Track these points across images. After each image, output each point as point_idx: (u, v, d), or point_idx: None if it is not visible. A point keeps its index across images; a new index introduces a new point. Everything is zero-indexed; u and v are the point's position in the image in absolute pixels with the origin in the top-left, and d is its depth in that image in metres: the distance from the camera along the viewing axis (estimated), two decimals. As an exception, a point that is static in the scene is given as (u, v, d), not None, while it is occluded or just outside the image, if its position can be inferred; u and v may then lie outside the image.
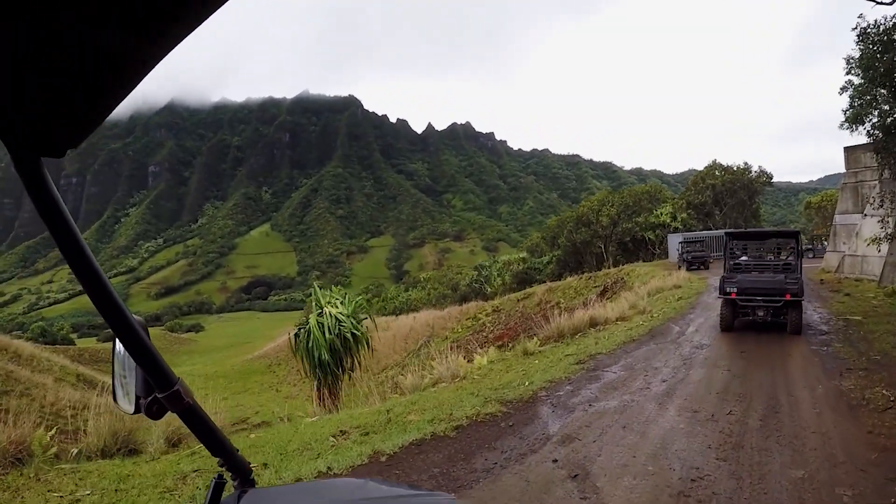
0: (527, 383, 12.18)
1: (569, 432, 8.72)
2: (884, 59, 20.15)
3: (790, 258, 19.46)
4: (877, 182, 30.74)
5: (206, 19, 0.82)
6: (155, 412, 1.40)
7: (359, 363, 23.19)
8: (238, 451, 1.68)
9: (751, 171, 71.24)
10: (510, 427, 9.23)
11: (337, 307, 23.53)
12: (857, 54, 22.00)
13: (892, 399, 9.95)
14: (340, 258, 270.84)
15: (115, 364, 1.62)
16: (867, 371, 11.94)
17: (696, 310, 23.24)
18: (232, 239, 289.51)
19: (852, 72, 22.90)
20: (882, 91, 22.07)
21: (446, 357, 15.97)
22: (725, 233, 21.53)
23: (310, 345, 21.41)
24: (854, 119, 23.61)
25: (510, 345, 25.93)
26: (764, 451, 7.65)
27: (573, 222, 73.33)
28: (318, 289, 25.00)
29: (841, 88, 24.17)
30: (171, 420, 12.86)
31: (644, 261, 62.83)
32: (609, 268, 59.56)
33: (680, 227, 65.90)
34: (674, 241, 56.56)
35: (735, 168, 71.87)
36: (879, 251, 26.38)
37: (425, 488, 2.39)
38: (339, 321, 22.62)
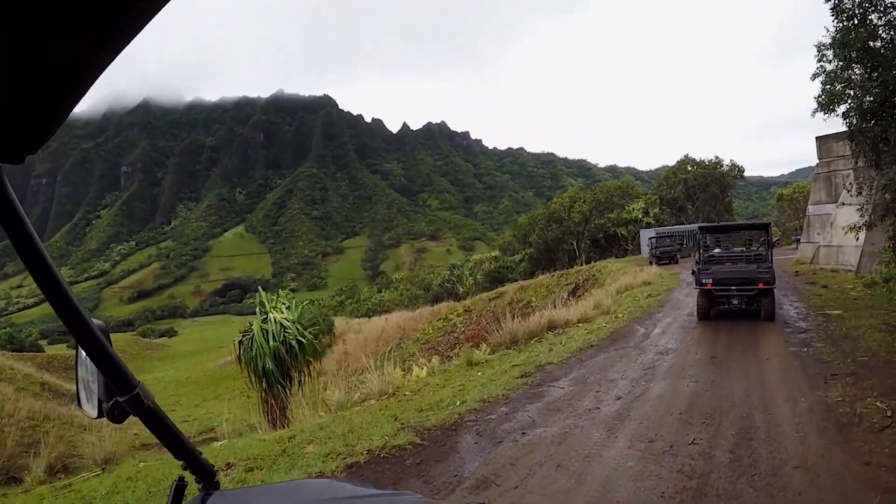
0: (458, 403, 10.53)
1: (487, 473, 6.89)
2: (860, 34, 18.46)
3: (761, 249, 19.71)
4: (850, 171, 29.73)
5: (151, 18, 0.81)
6: (117, 416, 1.41)
7: (308, 372, 21.58)
8: (201, 453, 1.66)
9: (722, 165, 69.88)
10: (417, 465, 7.47)
11: (283, 312, 21.84)
12: (827, 40, 20.47)
13: (889, 414, 8.18)
14: (316, 259, 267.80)
15: (79, 369, 1.62)
16: (855, 377, 10.23)
17: (665, 308, 21.69)
18: (206, 241, 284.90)
19: (823, 58, 21.45)
20: (857, 71, 20.45)
21: (383, 368, 14.43)
22: (699, 227, 21.81)
23: (253, 353, 19.93)
24: (827, 105, 22.05)
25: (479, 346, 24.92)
26: (734, 501, 5.79)
27: (545, 220, 71.70)
28: (262, 293, 23.12)
29: (813, 75, 22.56)
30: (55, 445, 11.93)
31: (617, 257, 61.82)
32: (581, 265, 58.90)
33: (652, 222, 64.55)
34: (646, 237, 55.60)
35: (707, 162, 70.54)
36: (858, 240, 24.90)
37: (391, 488, 2.30)
38: (285, 327, 20.89)
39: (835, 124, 25.65)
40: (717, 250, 20.83)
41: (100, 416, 1.44)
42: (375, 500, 1.81)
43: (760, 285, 17.10)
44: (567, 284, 47.18)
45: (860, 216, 22.59)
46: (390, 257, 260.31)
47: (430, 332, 51.98)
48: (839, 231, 29.39)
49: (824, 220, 33.53)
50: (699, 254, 19.94)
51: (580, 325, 19.12)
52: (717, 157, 70.11)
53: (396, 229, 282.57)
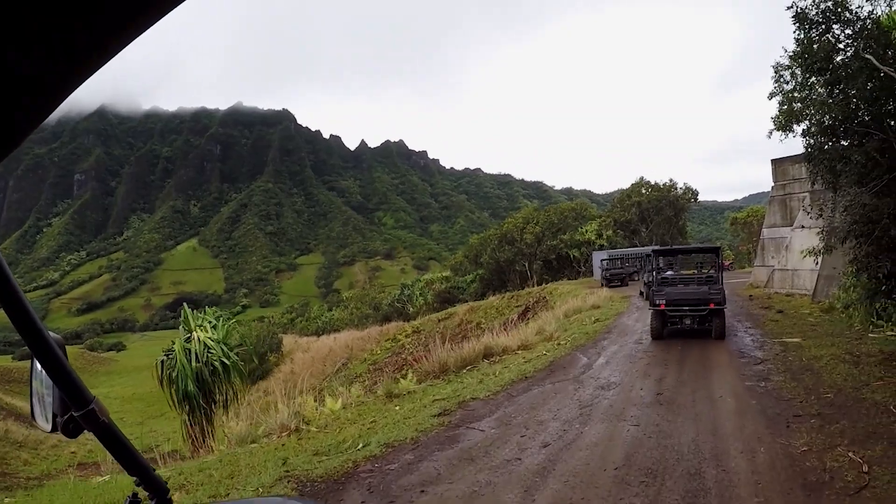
0: (360, 445, 9.00)
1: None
2: (823, 44, 17.34)
3: (712, 271, 20.96)
4: (806, 193, 29.13)
5: (125, 46, 0.80)
6: (71, 430, 1.38)
7: (234, 395, 20.02)
8: (155, 469, 1.66)
9: (677, 189, 69.38)
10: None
11: (207, 331, 20.18)
12: (785, 61, 19.59)
13: (865, 469, 6.67)
14: (269, 276, 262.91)
15: (34, 382, 1.59)
16: (821, 419, 8.78)
17: (612, 334, 20.26)
18: (158, 253, 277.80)
19: (781, 79, 20.52)
20: (818, 88, 19.43)
21: (293, 399, 13.44)
22: (652, 250, 23.13)
23: (174, 374, 18.57)
24: (785, 125, 21.08)
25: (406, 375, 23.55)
26: None
27: (496, 240, 70.35)
28: (187, 309, 21.46)
29: (770, 94, 21.64)
30: None
31: (569, 279, 61.19)
32: (533, 286, 57.68)
33: (605, 244, 63.53)
34: (598, 259, 54.77)
35: (661, 185, 70.00)
36: (817, 263, 23.91)
37: None
38: (209, 347, 19.24)
39: (792, 146, 25.05)
40: (669, 272, 21.51)
41: (54, 430, 1.41)
42: None
43: (712, 306, 17.54)
44: (517, 306, 46.51)
45: (820, 239, 21.53)
46: (344, 275, 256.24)
47: (378, 352, 50.95)
48: (795, 254, 28.64)
49: (779, 244, 32.65)
50: (650, 275, 21.30)
51: (519, 352, 17.63)
52: (671, 181, 69.71)
53: (351, 247, 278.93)
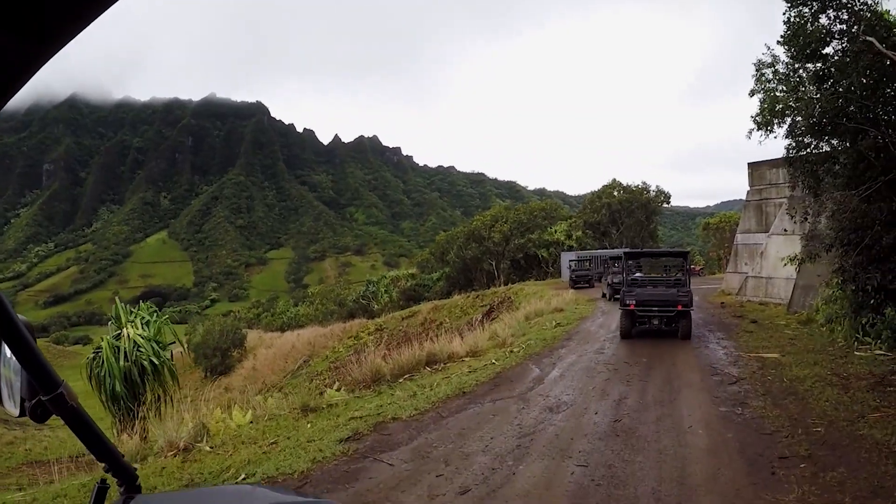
0: (241, 476, 7.36)
1: None
2: (816, 28, 15.80)
3: (680, 274, 21.47)
4: (784, 199, 27.95)
5: (93, 20, 0.80)
6: (39, 415, 1.37)
7: (165, 396, 18.14)
8: (124, 456, 1.63)
9: (649, 191, 67.88)
10: None
11: (139, 328, 18.33)
12: (768, 58, 18.49)
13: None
14: (238, 270, 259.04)
15: (1, 366, 1.54)
16: (813, 463, 6.95)
17: (572, 341, 18.58)
18: (127, 246, 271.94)
19: (763, 77, 19.26)
20: (807, 85, 17.99)
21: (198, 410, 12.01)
22: (623, 252, 23.24)
23: (102, 373, 16.96)
24: (767, 122, 19.45)
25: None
26: None
27: (463, 238, 68.41)
28: (119, 304, 19.59)
29: (751, 91, 20.21)
30: None
31: (537, 279, 59.96)
32: (500, 286, 56.41)
33: (575, 245, 62.03)
34: (566, 260, 53.77)
35: (633, 188, 68.45)
36: (798, 270, 22.43)
37: (311, 496, 2.37)
38: (138, 346, 17.48)
39: (770, 150, 23.59)
40: (637, 274, 22.26)
41: (22, 414, 1.39)
42: None
43: (679, 307, 18.18)
44: (482, 306, 45.33)
45: (802, 246, 20.06)
46: (314, 270, 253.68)
47: (341, 350, 48.90)
48: (770, 261, 27.54)
49: (753, 250, 31.39)
50: (614, 277, 24.16)
51: (466, 359, 15.76)
52: (643, 183, 68.29)
53: (322, 242, 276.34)
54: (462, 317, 43.81)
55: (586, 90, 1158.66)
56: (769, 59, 18.46)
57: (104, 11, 0.74)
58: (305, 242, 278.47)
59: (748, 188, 33.03)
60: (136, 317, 18.88)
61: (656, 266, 26.29)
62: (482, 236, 66.53)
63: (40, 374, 1.26)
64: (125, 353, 16.99)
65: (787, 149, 19.59)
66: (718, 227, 67.15)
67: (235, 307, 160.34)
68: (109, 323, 19.46)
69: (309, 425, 10.02)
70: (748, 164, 32.88)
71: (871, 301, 15.20)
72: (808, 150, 17.61)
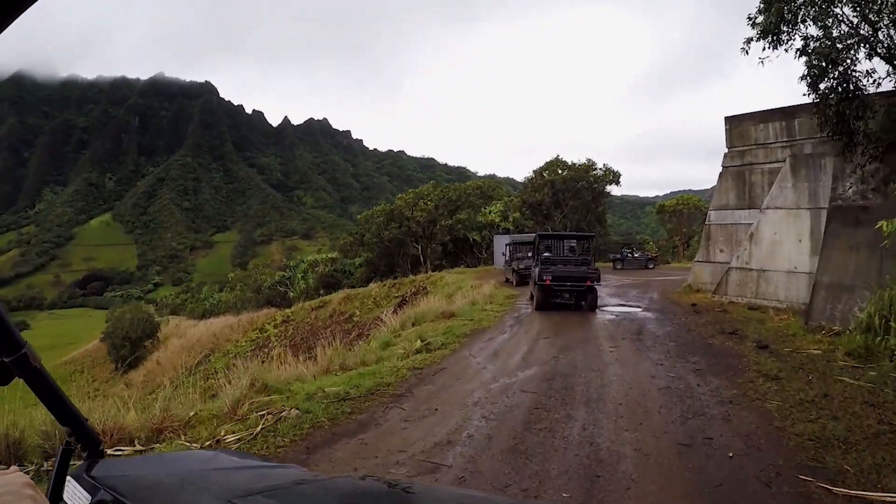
0: None
1: None
2: None
3: (586, 255, 23.01)
4: (777, 164, 21.09)
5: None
6: (1, 377, 1.35)
7: None
8: (88, 420, 1.65)
9: (596, 169, 58.20)
10: None
11: None
12: None
13: None
14: (183, 253, 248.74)
15: None
16: None
17: (434, 381, 10.06)
18: (70, 228, 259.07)
19: None
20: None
21: None
22: (536, 234, 24.65)
23: None
24: (774, 29, 14.16)
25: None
26: None
27: (383, 217, 58.55)
28: None
29: None
30: None
31: (468, 266, 52.43)
32: (428, 272, 49.35)
33: (511, 227, 52.40)
34: (500, 244, 44.25)
35: (579, 165, 58.62)
36: (821, 260, 13.92)
37: (275, 461, 2.50)
38: None
39: (790, 54, 14.80)
40: (547, 254, 21.98)
41: None
42: (259, 471, 1.90)
43: (589, 283, 19.92)
44: (396, 297, 40.76)
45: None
46: (261, 254, 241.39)
47: (244, 344, 45.55)
48: (763, 247, 19.31)
49: (734, 232, 23.16)
50: (519, 262, 30.72)
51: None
52: (589, 160, 58.11)
53: (269, 225, 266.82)
54: (374, 308, 39.66)
55: (539, 80, 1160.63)
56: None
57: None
58: (252, 226, 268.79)
59: (725, 150, 24.54)
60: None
61: (560, 248, 24.56)
62: (405, 216, 56.82)
63: (2, 334, 1.23)
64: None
65: (808, 71, 14.12)
66: (675, 209, 59.23)
67: (175, 291, 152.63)
68: None
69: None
70: (725, 118, 24.51)
71: None
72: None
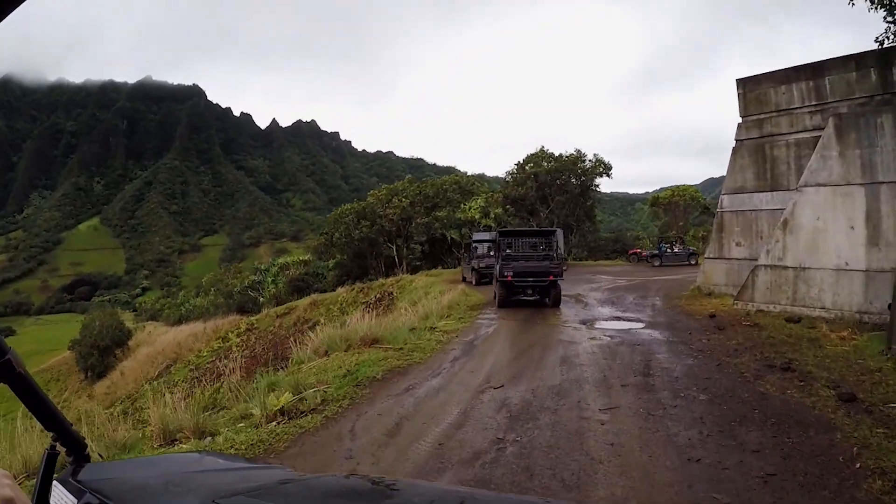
0: None
1: None
2: None
3: (548, 251, 21.73)
4: (808, 134, 16.95)
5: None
6: None
7: None
8: (73, 425, 1.62)
9: (585, 160, 52.86)
10: None
11: None
12: None
13: None
14: (172, 257, 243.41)
15: None
16: None
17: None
18: (58, 233, 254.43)
19: None
20: None
21: None
22: (497, 231, 24.53)
23: None
24: None
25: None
26: None
27: (353, 215, 53.16)
28: None
29: None
30: None
31: (445, 267, 48.38)
32: (403, 274, 45.51)
33: (493, 224, 46.94)
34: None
35: (566, 157, 53.12)
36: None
37: (260, 462, 2.62)
38: None
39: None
40: (508, 251, 21.46)
41: None
42: (244, 473, 1.91)
43: (551, 278, 19.39)
44: (364, 301, 37.90)
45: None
46: (249, 257, 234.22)
47: (205, 354, 43.02)
48: (803, 238, 14.44)
49: (752, 221, 18.73)
50: (488, 260, 28.49)
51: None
52: (578, 151, 52.56)
53: (258, 228, 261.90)
54: (340, 315, 34.62)
55: (527, 78, 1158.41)
56: None
57: None
58: (241, 228, 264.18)
59: (739, 120, 19.66)
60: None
61: (525, 245, 22.92)
62: (378, 214, 51.56)
63: None
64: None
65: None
66: (671, 201, 54.18)
67: (155, 296, 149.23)
68: None
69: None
70: (737, 80, 19.89)
71: None
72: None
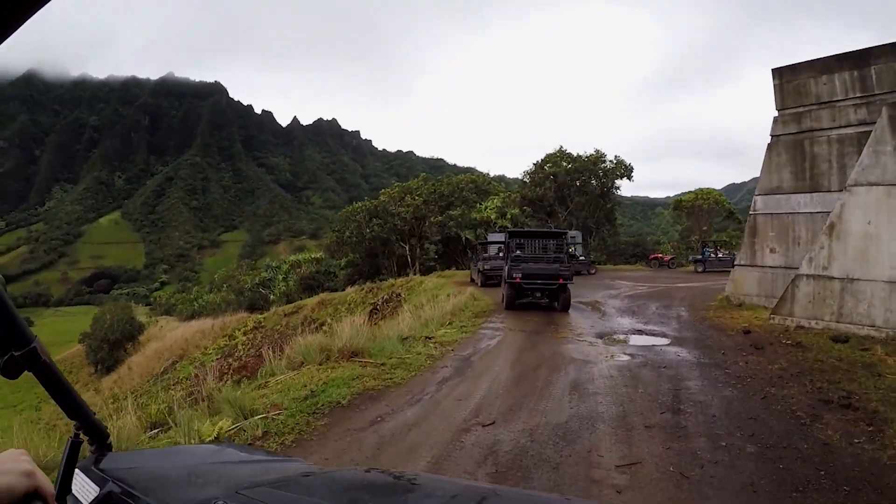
0: None
1: None
2: None
3: (558, 253, 21.56)
4: (854, 130, 15.37)
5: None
6: (11, 371, 1.30)
7: None
8: (95, 413, 1.62)
9: (605, 161, 51.28)
10: None
11: None
12: None
13: None
14: (191, 252, 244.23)
15: None
16: None
17: None
18: (79, 226, 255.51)
19: None
20: None
21: None
22: (507, 232, 23.81)
23: None
24: None
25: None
26: None
27: (364, 213, 52.13)
28: None
29: None
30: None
31: (459, 268, 46.83)
32: (415, 275, 44.78)
33: (508, 225, 45.44)
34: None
35: (585, 157, 51.70)
36: None
37: (281, 454, 2.70)
38: None
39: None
40: (518, 252, 21.27)
41: None
42: (266, 465, 1.93)
43: (561, 281, 18.92)
44: (372, 302, 37.79)
45: None
46: (268, 254, 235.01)
47: (211, 352, 42.70)
48: (851, 245, 12.54)
49: (790, 225, 16.90)
50: (494, 262, 28.17)
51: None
52: (598, 151, 51.19)
53: (277, 225, 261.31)
54: (347, 315, 32.02)
55: (548, 80, 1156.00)
56: None
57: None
58: (260, 225, 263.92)
59: (776, 113, 17.89)
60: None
61: (535, 246, 22.59)
62: (390, 212, 50.19)
63: (12, 328, 1.21)
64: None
65: None
66: (694, 205, 52.08)
67: (172, 291, 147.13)
68: None
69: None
70: (773, 70, 18.13)
71: None
72: None
